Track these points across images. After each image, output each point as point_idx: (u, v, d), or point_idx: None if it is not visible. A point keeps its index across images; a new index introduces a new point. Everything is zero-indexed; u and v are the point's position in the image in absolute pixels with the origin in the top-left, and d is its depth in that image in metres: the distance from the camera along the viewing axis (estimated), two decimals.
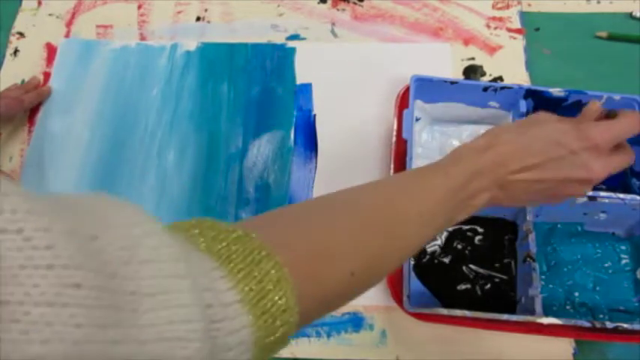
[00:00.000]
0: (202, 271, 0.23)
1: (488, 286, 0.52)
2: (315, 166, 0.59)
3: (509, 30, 0.65)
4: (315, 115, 0.61)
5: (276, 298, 0.25)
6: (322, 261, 0.29)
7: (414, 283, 0.51)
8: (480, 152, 0.37)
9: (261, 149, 0.60)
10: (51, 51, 0.67)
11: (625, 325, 0.45)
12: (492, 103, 0.57)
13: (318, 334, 0.51)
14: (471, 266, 0.52)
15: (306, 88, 0.63)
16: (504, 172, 0.36)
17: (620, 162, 0.38)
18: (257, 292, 0.24)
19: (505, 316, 0.46)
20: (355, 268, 0.31)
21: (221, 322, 0.23)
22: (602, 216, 0.52)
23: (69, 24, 0.69)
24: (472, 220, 0.54)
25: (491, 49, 0.64)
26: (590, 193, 0.50)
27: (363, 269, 0.31)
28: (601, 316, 0.50)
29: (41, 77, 0.65)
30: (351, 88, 0.63)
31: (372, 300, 0.52)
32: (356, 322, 0.52)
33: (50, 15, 0.70)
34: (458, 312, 0.46)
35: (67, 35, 0.68)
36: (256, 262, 0.25)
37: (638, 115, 0.39)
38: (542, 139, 0.37)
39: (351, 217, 0.33)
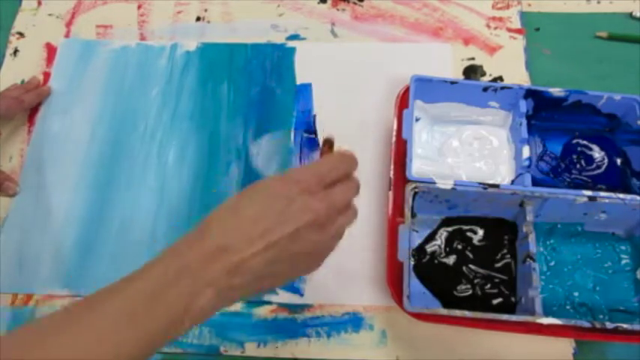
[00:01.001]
0: None
1: (488, 286, 0.52)
2: None
3: (509, 30, 0.65)
4: (315, 115, 0.61)
5: None
6: None
7: (414, 284, 0.51)
8: (183, 253, 0.33)
9: (261, 149, 0.60)
10: (51, 51, 0.67)
11: (625, 326, 0.45)
12: (492, 103, 0.57)
13: (318, 334, 0.51)
14: (471, 266, 0.52)
15: (306, 88, 0.63)
16: (229, 259, 0.32)
17: (341, 194, 0.36)
18: None
19: (505, 316, 0.46)
20: None
21: None
22: (602, 216, 0.52)
23: (69, 24, 0.69)
24: (472, 220, 0.54)
25: (491, 49, 0.64)
26: (590, 193, 0.50)
27: None
28: (601, 316, 0.50)
29: (41, 77, 0.65)
30: (351, 88, 0.63)
31: (372, 300, 0.52)
32: (356, 322, 0.52)
33: (50, 15, 0.70)
34: (458, 312, 0.46)
35: (67, 35, 0.68)
36: None
37: (339, 155, 0.38)
38: (254, 204, 0.34)
39: None
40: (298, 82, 0.63)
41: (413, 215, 0.53)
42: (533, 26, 0.66)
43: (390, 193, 0.52)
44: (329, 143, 0.41)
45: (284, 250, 0.34)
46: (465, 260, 0.53)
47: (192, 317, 0.32)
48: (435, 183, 0.50)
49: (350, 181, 0.38)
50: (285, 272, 0.36)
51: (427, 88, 0.56)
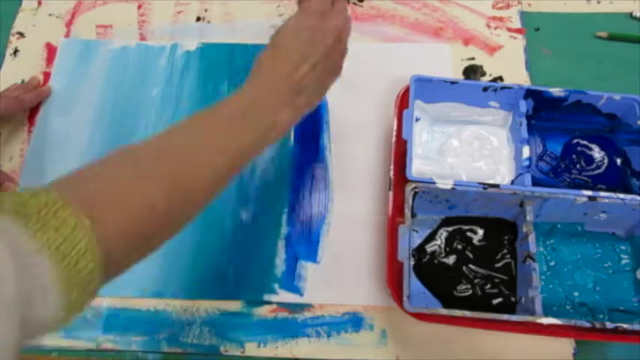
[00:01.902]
0: (3, 228, 0.27)
1: (488, 286, 0.52)
2: None
3: (510, 30, 0.65)
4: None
5: (75, 242, 0.28)
6: (118, 200, 0.33)
7: (414, 283, 0.51)
8: (254, 88, 0.42)
9: None
10: (51, 51, 0.67)
11: (625, 326, 0.45)
12: (492, 103, 0.57)
13: (318, 334, 0.51)
14: (471, 266, 0.53)
15: None
16: (290, 83, 0.42)
17: (342, 6, 0.45)
18: (55, 240, 0.28)
19: (505, 316, 0.46)
20: (155, 202, 0.34)
21: (27, 269, 0.26)
22: (602, 216, 0.52)
23: (69, 24, 0.69)
24: (472, 220, 0.54)
25: (492, 49, 0.64)
26: (590, 193, 0.50)
27: (163, 201, 0.34)
28: (601, 316, 0.50)
29: (41, 77, 0.65)
30: (351, 88, 0.63)
31: (372, 300, 0.52)
32: (356, 322, 0.52)
33: (50, 15, 0.70)
34: (458, 312, 0.46)
35: (67, 35, 0.68)
36: (53, 213, 0.28)
37: None
38: (290, 40, 0.43)
39: (145, 156, 0.37)
40: None
41: (413, 215, 0.53)
42: (533, 26, 0.66)
43: (390, 193, 0.52)
44: None
45: (324, 65, 0.44)
46: (465, 260, 0.53)
47: (277, 130, 0.42)
48: (434, 183, 0.50)
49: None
50: (328, 82, 0.47)
51: (427, 88, 0.56)
